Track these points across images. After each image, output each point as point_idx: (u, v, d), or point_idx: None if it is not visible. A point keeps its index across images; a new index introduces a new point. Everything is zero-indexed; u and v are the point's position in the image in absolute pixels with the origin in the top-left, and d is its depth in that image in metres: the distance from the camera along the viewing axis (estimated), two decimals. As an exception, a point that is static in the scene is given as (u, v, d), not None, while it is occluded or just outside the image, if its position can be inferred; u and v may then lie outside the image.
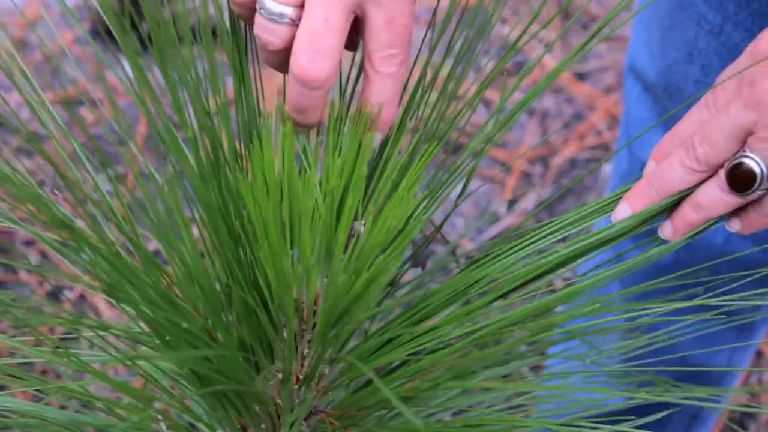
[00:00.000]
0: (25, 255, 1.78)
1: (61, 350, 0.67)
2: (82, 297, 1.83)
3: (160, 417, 0.70)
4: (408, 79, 0.72)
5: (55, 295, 1.86)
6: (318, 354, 0.63)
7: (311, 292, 0.60)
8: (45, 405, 0.75)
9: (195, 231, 0.63)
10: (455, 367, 0.55)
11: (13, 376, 0.71)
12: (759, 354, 1.88)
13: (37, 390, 0.72)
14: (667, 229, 0.73)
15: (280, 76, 0.71)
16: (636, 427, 0.70)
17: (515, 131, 2.14)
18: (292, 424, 0.65)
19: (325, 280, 0.61)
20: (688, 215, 0.71)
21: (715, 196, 0.69)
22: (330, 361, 0.64)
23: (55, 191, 0.69)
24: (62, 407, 1.43)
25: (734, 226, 0.71)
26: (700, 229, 0.72)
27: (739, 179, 0.68)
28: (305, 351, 0.64)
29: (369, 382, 0.67)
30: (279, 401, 0.65)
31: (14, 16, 2.30)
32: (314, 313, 0.62)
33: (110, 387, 0.65)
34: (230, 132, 0.55)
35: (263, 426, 0.68)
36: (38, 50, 2.25)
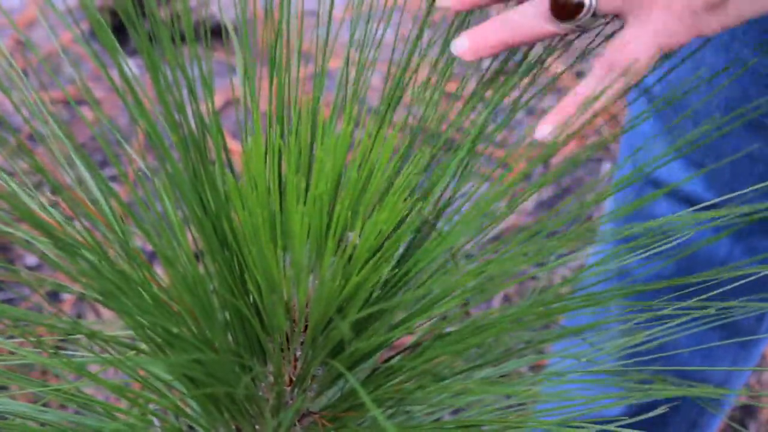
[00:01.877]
0: (16, 268, 1.77)
1: (54, 352, 0.67)
2: (82, 296, 1.83)
3: (155, 420, 0.70)
4: (401, 76, 0.72)
5: (55, 294, 1.86)
6: (309, 356, 0.63)
7: (302, 295, 0.60)
8: (43, 406, 0.75)
9: (190, 234, 0.63)
10: (438, 373, 0.55)
11: (12, 375, 0.71)
12: (759, 353, 1.87)
13: (38, 391, 0.72)
14: (459, 43, 0.70)
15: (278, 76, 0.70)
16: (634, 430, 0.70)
17: (513, 130, 2.14)
18: (285, 426, 0.65)
19: (316, 282, 0.61)
20: (492, 28, 0.69)
21: (527, 17, 0.68)
22: (322, 363, 0.64)
23: (53, 193, 0.69)
24: (62, 406, 1.42)
25: (543, 131, 0.69)
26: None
27: (565, 6, 0.67)
28: (298, 353, 0.64)
29: (361, 383, 0.67)
30: (272, 403, 0.66)
31: (14, 15, 2.30)
32: (306, 315, 0.62)
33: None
34: (217, 137, 0.55)
35: (257, 428, 0.68)
36: (38, 50, 2.25)
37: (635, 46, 0.68)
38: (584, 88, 0.69)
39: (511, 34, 0.69)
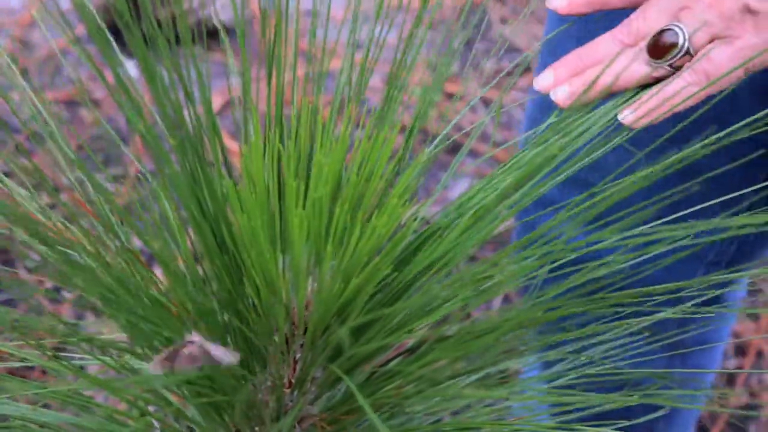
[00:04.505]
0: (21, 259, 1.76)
1: (53, 354, 0.67)
2: (81, 296, 1.83)
3: (155, 422, 0.70)
4: (398, 74, 0.72)
5: (56, 292, 1.86)
6: (309, 359, 0.63)
7: (301, 298, 0.59)
8: (43, 407, 0.74)
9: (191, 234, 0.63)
10: (437, 377, 0.55)
11: (11, 377, 0.71)
12: (759, 354, 1.87)
13: (36, 393, 0.72)
14: (560, 90, 0.76)
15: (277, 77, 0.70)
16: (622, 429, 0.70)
17: (513, 130, 2.14)
18: (284, 429, 0.65)
19: (315, 285, 0.61)
20: (590, 79, 0.75)
21: (625, 63, 0.74)
22: (322, 366, 0.64)
23: (52, 193, 0.69)
24: (61, 408, 1.42)
25: (627, 116, 0.74)
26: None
27: (661, 46, 0.73)
28: (297, 356, 0.64)
29: (360, 386, 0.67)
30: (271, 406, 0.65)
31: (14, 16, 2.30)
32: (305, 318, 0.62)
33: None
34: (214, 139, 0.55)
35: (256, 430, 0.68)
36: (38, 50, 2.24)
37: (723, 59, 0.73)
38: (670, 88, 0.74)
39: (610, 82, 0.75)
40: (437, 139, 0.75)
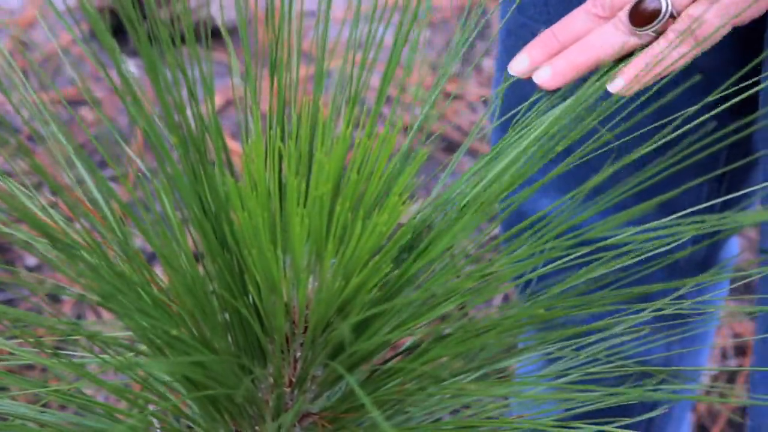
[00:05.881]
0: (15, 268, 1.77)
1: (53, 353, 0.67)
2: (82, 296, 1.83)
3: (155, 421, 0.70)
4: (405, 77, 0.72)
5: (55, 294, 1.86)
6: (309, 357, 0.63)
7: (302, 297, 0.60)
8: (43, 407, 0.75)
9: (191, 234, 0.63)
10: (437, 374, 0.55)
11: (12, 375, 0.71)
12: (759, 353, 1.87)
13: (37, 392, 0.72)
14: (542, 73, 0.73)
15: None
16: (624, 426, 0.70)
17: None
18: (284, 428, 0.65)
19: (316, 284, 0.61)
20: (573, 56, 0.73)
21: (608, 35, 0.72)
22: (322, 364, 0.64)
23: (52, 194, 0.69)
24: (62, 407, 1.42)
25: (617, 84, 0.71)
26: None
27: (643, 14, 0.70)
28: (297, 354, 0.64)
29: (361, 384, 0.67)
30: (272, 404, 0.66)
31: (14, 16, 2.30)
32: (306, 316, 0.62)
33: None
34: (217, 138, 0.55)
35: (257, 429, 0.68)
36: (38, 50, 2.24)
37: (709, 16, 0.71)
38: (655, 50, 0.72)
39: (595, 56, 0.73)
40: (429, 135, 0.74)
